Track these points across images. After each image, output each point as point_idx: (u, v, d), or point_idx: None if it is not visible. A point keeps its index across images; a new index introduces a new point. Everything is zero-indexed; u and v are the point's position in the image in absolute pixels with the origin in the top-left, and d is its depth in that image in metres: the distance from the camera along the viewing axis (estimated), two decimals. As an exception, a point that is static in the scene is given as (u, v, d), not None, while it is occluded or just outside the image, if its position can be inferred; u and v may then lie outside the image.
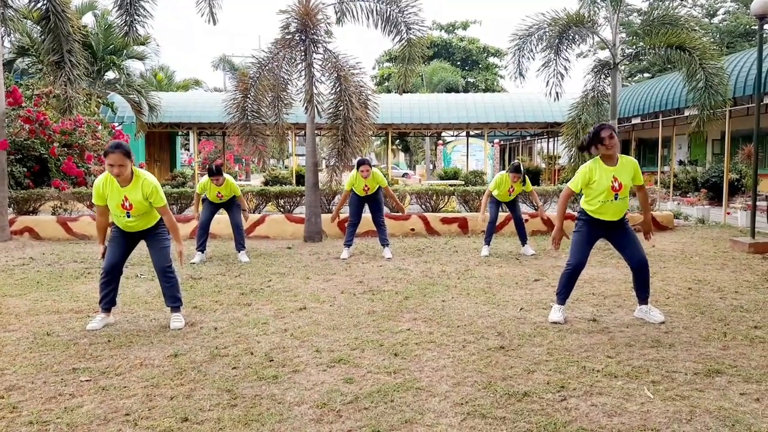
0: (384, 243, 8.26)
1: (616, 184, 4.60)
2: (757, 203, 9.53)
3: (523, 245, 8.42)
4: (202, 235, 7.88)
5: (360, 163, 8.07)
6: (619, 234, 4.85)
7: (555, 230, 4.91)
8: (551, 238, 5.00)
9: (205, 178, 7.85)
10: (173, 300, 4.86)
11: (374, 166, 8.80)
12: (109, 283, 4.78)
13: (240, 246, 7.98)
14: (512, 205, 8.42)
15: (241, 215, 8.13)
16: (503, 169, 16.35)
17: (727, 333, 4.50)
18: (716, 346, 4.18)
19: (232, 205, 8.02)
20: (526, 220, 10.55)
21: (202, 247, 7.88)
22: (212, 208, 7.99)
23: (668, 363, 3.85)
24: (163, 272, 4.82)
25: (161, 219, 4.82)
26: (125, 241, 4.83)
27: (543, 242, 9.34)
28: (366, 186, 8.04)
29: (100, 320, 4.76)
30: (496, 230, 9.17)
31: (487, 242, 8.36)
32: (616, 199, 4.65)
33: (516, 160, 8.49)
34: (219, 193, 7.84)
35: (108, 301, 4.80)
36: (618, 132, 5.25)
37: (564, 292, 4.88)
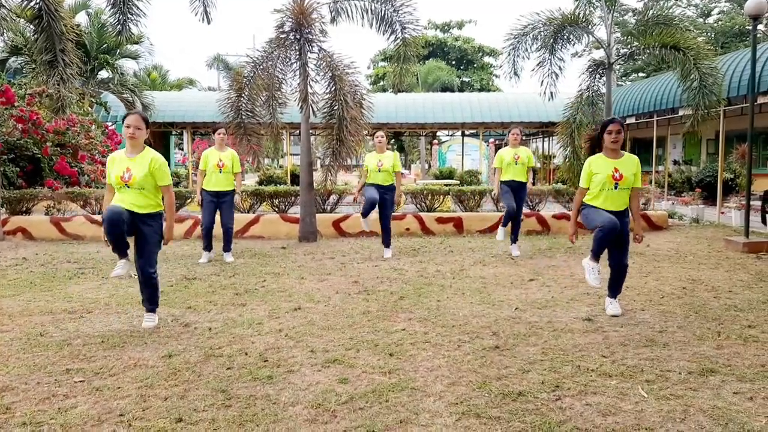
0: (386, 244, 8.27)
1: (617, 174, 4.86)
2: (751, 203, 9.56)
3: (512, 243, 8.40)
4: (207, 236, 7.88)
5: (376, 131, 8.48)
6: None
7: (570, 225, 5.27)
8: (568, 234, 5.29)
9: (207, 150, 8.01)
10: (152, 303, 4.85)
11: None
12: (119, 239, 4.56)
13: (227, 247, 7.99)
14: (517, 198, 8.18)
15: (233, 217, 8.09)
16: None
17: (721, 332, 4.52)
18: (710, 346, 4.20)
19: (226, 205, 7.94)
20: (522, 220, 10.58)
21: (208, 248, 7.92)
22: (211, 207, 7.87)
23: (662, 362, 3.86)
24: (149, 277, 4.75)
25: (158, 215, 4.72)
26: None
27: (538, 242, 9.34)
28: (380, 162, 7.99)
29: (123, 265, 4.66)
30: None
31: (504, 225, 8.15)
32: (615, 188, 4.88)
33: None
34: (220, 160, 7.77)
35: (123, 249, 4.64)
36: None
37: (598, 253, 4.96)
